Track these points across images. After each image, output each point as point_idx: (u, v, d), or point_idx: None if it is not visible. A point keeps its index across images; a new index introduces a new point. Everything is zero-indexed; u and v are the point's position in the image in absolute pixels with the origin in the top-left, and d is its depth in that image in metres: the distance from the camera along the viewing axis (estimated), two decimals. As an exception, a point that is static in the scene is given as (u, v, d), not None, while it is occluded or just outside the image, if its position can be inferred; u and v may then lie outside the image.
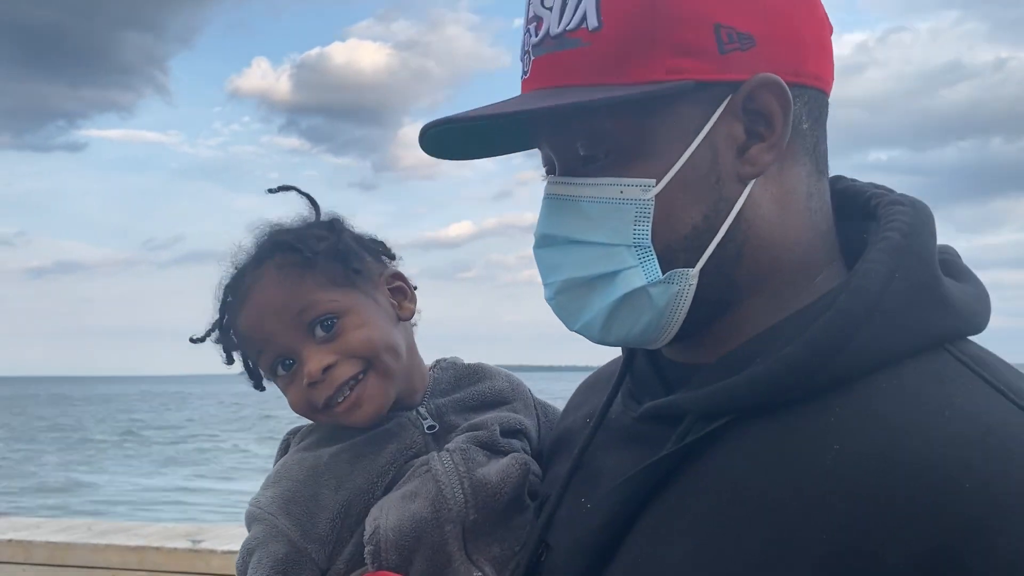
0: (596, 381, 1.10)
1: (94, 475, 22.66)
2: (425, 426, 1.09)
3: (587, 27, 0.70)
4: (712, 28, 0.69)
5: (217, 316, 1.11)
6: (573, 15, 0.71)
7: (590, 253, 0.76)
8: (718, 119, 0.71)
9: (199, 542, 8.79)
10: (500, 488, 1.02)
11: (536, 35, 0.75)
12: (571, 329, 0.81)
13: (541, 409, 1.21)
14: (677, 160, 0.72)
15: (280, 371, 1.09)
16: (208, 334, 1.13)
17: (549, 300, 0.83)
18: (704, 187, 0.73)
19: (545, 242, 0.80)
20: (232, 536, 9.51)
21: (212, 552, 8.73)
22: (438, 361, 1.19)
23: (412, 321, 1.16)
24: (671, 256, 0.74)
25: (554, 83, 0.74)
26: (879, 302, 0.68)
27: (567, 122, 0.75)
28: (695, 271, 0.74)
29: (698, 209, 0.73)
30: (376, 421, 1.06)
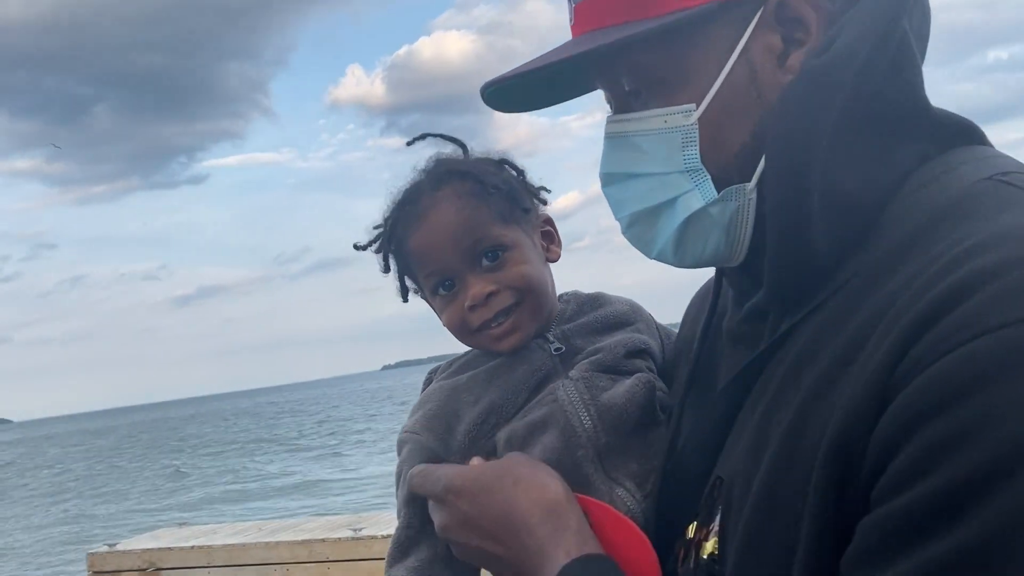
0: (705, 293, 1.13)
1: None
2: (552, 349, 1.14)
3: None
4: None
5: (386, 229, 1.19)
6: None
7: (648, 184, 0.79)
8: (752, 34, 0.72)
9: (360, 530, 9.21)
10: (626, 409, 1.06)
11: None
12: (650, 257, 0.84)
13: (664, 332, 1.24)
14: (714, 82, 0.73)
15: (440, 291, 1.15)
16: (372, 243, 1.21)
17: (624, 233, 0.86)
18: (746, 103, 0.74)
19: (608, 180, 0.83)
20: (389, 521, 9.90)
21: (373, 538, 9.12)
22: (561, 295, 1.24)
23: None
24: (726, 174, 0.76)
25: (593, 26, 0.77)
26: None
27: (610, 62, 0.78)
28: (751, 185, 0.75)
29: (745, 126, 0.74)
30: (518, 348, 1.14)
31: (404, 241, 1.17)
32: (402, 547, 1.11)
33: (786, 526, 0.66)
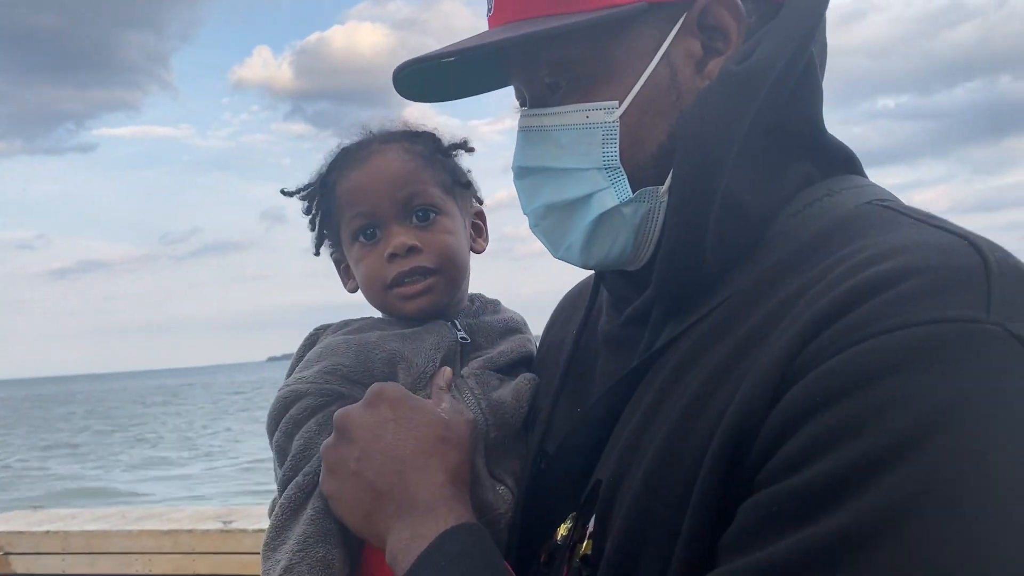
0: (577, 296, 1.14)
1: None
2: (459, 335, 1.15)
3: None
4: None
5: (322, 170, 1.19)
6: None
7: (565, 179, 0.78)
8: (675, 37, 0.73)
9: (230, 523, 8.95)
10: (516, 407, 1.07)
11: None
12: (555, 255, 0.84)
13: (537, 342, 1.27)
14: (637, 80, 0.73)
15: (361, 239, 1.14)
16: (307, 186, 1.19)
17: (533, 228, 0.86)
18: (666, 105, 0.74)
19: (522, 174, 0.82)
20: (261, 516, 9.66)
21: (243, 532, 8.87)
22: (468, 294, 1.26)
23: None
24: (641, 175, 0.76)
25: (515, 17, 0.76)
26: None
27: (531, 54, 0.77)
28: (664, 188, 0.75)
29: (662, 127, 0.74)
30: (421, 317, 1.13)
31: (338, 181, 1.15)
32: (280, 528, 1.01)
33: (669, 517, 0.66)
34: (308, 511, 0.98)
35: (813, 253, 0.66)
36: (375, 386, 0.97)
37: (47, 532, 9.35)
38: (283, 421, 1.05)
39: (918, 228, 0.65)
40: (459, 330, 1.16)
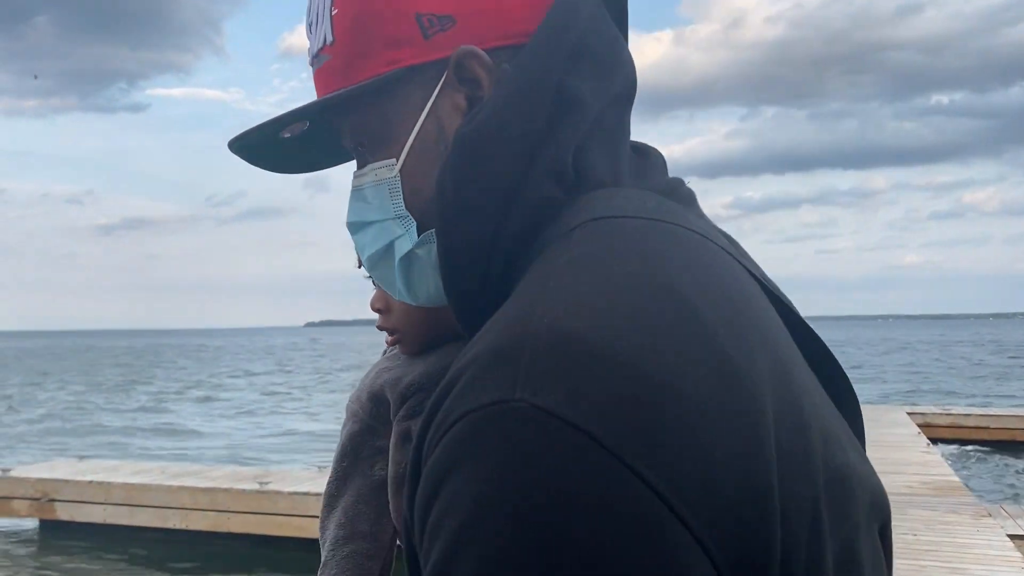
0: None
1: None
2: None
3: (327, 43, 0.83)
4: (414, 18, 0.77)
5: None
6: (321, 36, 0.83)
7: (375, 230, 0.85)
8: (439, 94, 0.78)
9: (266, 484, 9.15)
10: None
11: (309, 57, 0.89)
12: (396, 298, 0.90)
13: None
14: (409, 137, 0.80)
15: None
16: None
17: (370, 277, 0.94)
18: (435, 156, 0.79)
19: (351, 229, 0.89)
20: (296, 479, 9.84)
21: (279, 493, 9.09)
22: None
23: None
24: (426, 220, 0.81)
25: (321, 94, 0.85)
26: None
27: (340, 124, 0.86)
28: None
29: (431, 173, 0.79)
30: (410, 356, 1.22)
31: None
32: (331, 497, 1.25)
33: None
34: (338, 512, 1.23)
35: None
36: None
37: (90, 482, 9.64)
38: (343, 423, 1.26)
39: (537, 287, 0.63)
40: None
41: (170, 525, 9.05)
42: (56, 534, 9.40)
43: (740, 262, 0.72)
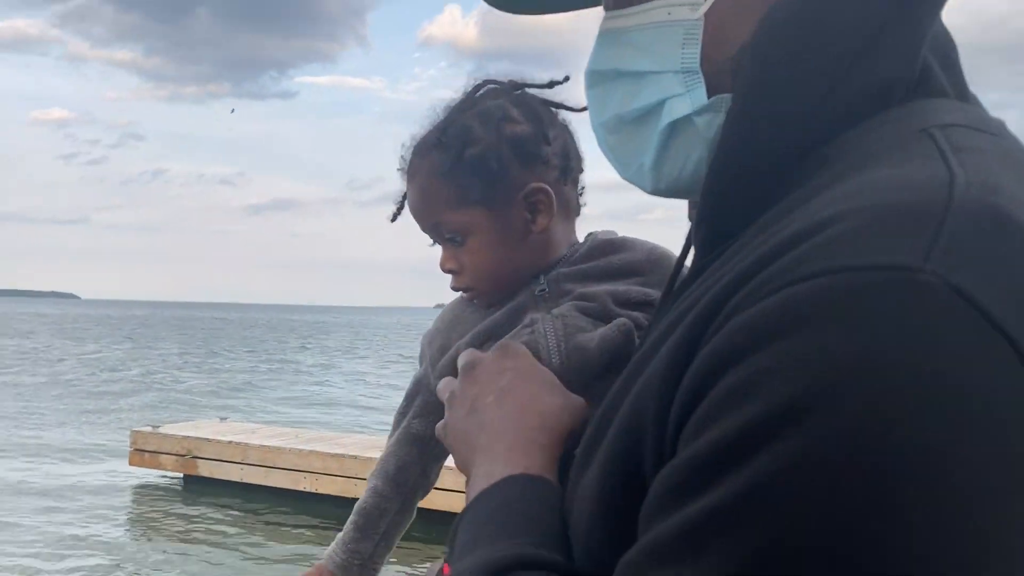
0: None
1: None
2: (536, 289, 1.12)
3: None
4: None
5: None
6: None
7: (637, 84, 0.69)
8: None
9: (391, 453, 9.44)
10: (596, 354, 1.03)
11: None
12: (624, 176, 0.75)
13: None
14: None
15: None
16: (399, 205, 1.22)
17: (601, 145, 0.76)
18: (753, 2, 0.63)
19: (594, 80, 0.74)
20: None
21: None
22: (589, 234, 1.19)
23: (581, 202, 1.20)
24: (718, 81, 0.65)
25: None
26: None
27: None
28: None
29: (749, 24, 0.63)
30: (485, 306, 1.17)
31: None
32: (394, 423, 1.27)
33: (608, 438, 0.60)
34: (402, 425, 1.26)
35: (825, 189, 0.54)
36: (504, 341, 1.02)
37: (230, 442, 10.17)
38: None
39: (921, 161, 0.51)
40: (541, 283, 1.12)
41: (301, 488, 9.40)
42: (198, 489, 9.95)
43: None
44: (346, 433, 11.75)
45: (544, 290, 1.11)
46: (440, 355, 1.16)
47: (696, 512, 0.45)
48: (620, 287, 1.10)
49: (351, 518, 1.26)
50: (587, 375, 1.02)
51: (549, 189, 1.12)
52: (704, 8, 0.65)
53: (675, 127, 0.68)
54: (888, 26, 0.58)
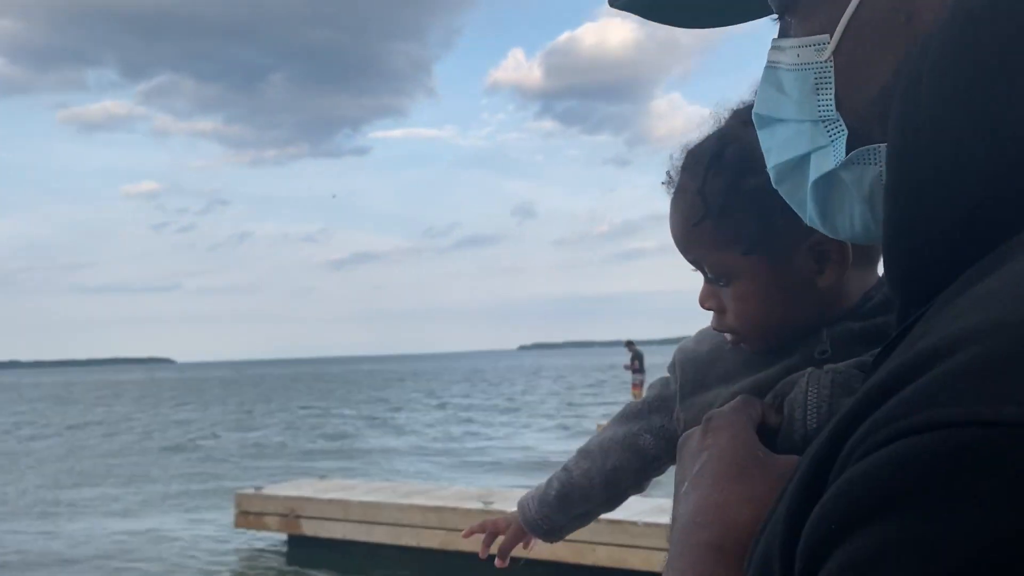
0: None
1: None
2: (817, 351, 0.93)
3: None
4: None
5: None
6: None
7: (788, 132, 0.64)
8: None
9: (490, 503, 9.36)
10: None
11: None
12: (808, 223, 0.69)
13: None
14: (848, 4, 0.57)
15: None
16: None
17: (777, 190, 0.71)
18: (891, 31, 0.56)
19: (759, 123, 0.69)
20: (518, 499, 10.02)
21: (503, 512, 9.29)
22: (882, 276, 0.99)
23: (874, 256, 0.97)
24: (863, 129, 0.59)
25: None
26: None
27: None
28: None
29: (889, 61, 0.56)
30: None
31: None
32: (626, 415, 1.18)
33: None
34: (628, 426, 1.17)
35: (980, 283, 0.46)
36: (715, 411, 0.87)
37: (331, 500, 10.28)
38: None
39: None
40: (823, 342, 0.94)
41: (403, 542, 9.42)
42: (303, 548, 10.07)
43: None
44: (445, 486, 11.77)
45: (826, 352, 0.93)
46: (693, 390, 1.02)
47: None
48: None
49: (557, 481, 1.18)
50: None
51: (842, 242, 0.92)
52: (830, 49, 0.58)
53: (826, 182, 0.62)
54: None
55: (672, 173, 1.00)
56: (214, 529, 11.90)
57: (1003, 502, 0.34)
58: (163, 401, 51.54)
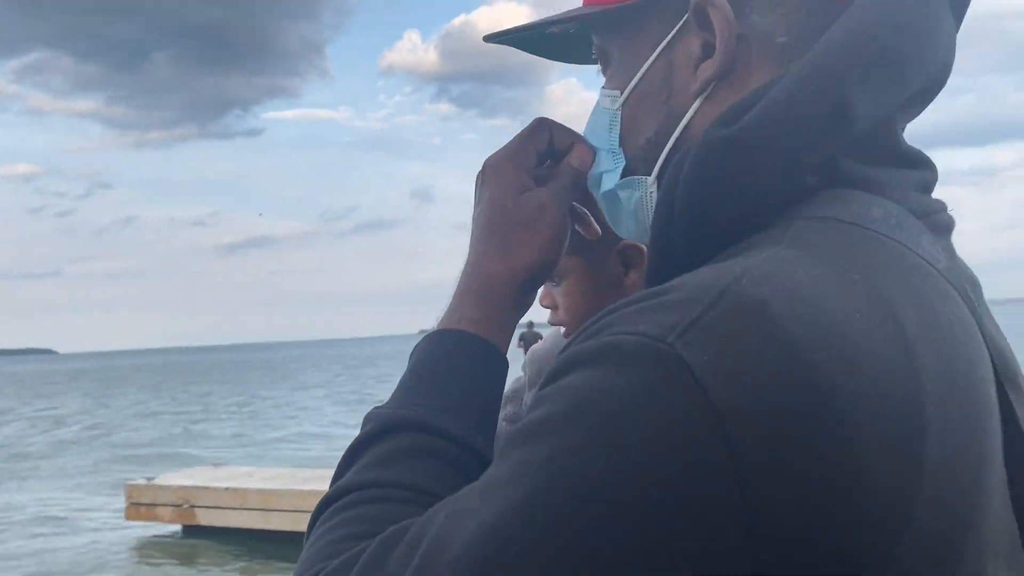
0: None
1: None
2: None
3: None
4: None
5: None
6: None
7: (599, 154, 0.83)
8: (676, 34, 0.73)
9: (392, 486, 9.37)
10: None
11: None
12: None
13: None
14: (636, 72, 0.76)
15: None
16: None
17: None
18: (657, 101, 0.75)
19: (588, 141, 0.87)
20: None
21: (404, 495, 9.28)
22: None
23: None
24: (634, 164, 0.78)
25: (585, 3, 0.82)
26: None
27: (589, 38, 0.84)
28: (651, 179, 0.77)
29: (652, 122, 0.76)
30: None
31: None
32: None
33: None
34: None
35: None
36: (489, 158, 0.92)
37: (227, 488, 10.05)
38: None
39: (750, 256, 0.59)
40: None
41: (303, 529, 9.30)
42: (199, 538, 9.84)
43: (972, 308, 0.64)
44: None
45: None
46: (538, 378, 1.33)
47: (486, 476, 0.59)
48: None
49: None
50: None
51: (642, 246, 1.17)
52: (620, 101, 0.78)
53: (610, 196, 0.82)
54: (793, 168, 0.65)
55: None
56: (104, 521, 11.50)
57: (621, 381, 0.54)
58: (44, 394, 49.35)
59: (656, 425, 0.51)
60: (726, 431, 0.50)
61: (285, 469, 11.51)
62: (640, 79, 0.76)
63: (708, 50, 0.71)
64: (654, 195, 0.77)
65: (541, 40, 0.91)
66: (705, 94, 0.72)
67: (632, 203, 0.79)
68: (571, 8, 0.84)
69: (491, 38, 0.92)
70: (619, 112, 0.78)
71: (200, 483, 10.13)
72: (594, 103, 0.85)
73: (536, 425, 0.57)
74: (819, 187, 0.65)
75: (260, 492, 9.62)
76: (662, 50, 0.74)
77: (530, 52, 0.96)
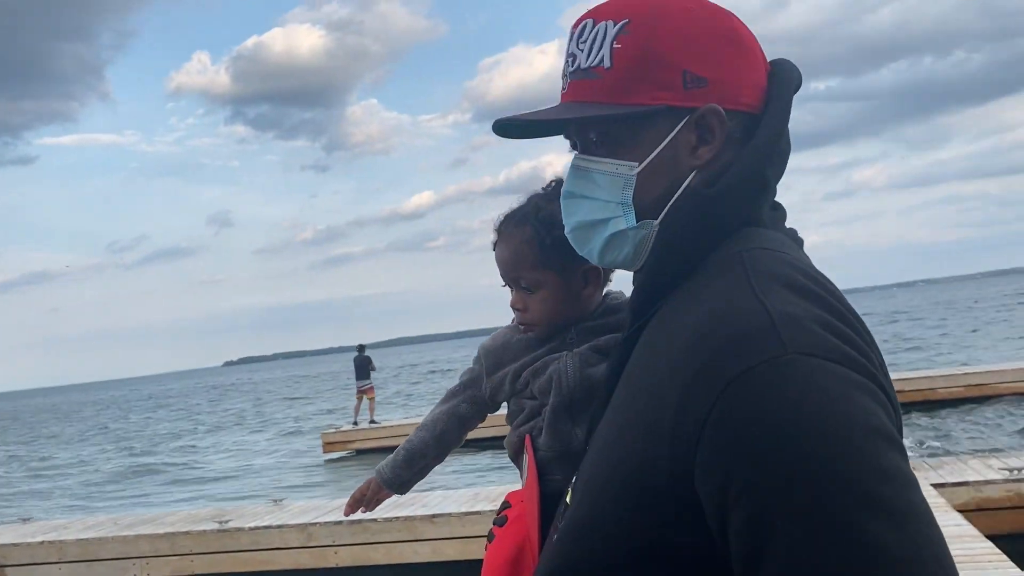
0: None
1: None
2: (568, 339, 1.66)
3: (603, 66, 1.07)
4: (681, 72, 1.05)
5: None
6: (596, 56, 1.08)
7: (595, 206, 1.11)
8: (680, 129, 1.06)
9: (226, 522, 9.10)
10: (599, 380, 1.44)
11: (572, 65, 1.12)
12: (580, 253, 1.17)
13: None
14: (651, 152, 1.07)
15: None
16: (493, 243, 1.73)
17: (568, 235, 1.18)
18: (666, 170, 1.07)
19: (568, 196, 1.16)
20: (255, 514, 9.82)
21: (240, 530, 9.06)
22: (607, 293, 1.72)
23: (609, 278, 1.70)
24: (644, 211, 1.09)
25: (580, 99, 1.10)
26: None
27: (589, 123, 1.11)
28: (657, 222, 1.09)
29: (662, 183, 1.07)
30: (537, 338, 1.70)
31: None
32: (448, 395, 1.83)
33: (610, 482, 0.96)
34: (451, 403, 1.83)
35: (704, 288, 1.00)
36: None
37: (42, 543, 9.41)
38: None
39: (732, 275, 0.98)
40: (571, 336, 1.66)
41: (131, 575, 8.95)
42: (11, 600, 9.18)
43: None
44: (173, 511, 11.22)
45: (572, 339, 1.67)
46: (494, 369, 1.72)
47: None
48: (615, 336, 1.60)
49: (402, 449, 1.81)
50: (590, 395, 1.53)
51: (600, 269, 1.62)
52: (637, 170, 1.08)
53: (615, 235, 1.11)
54: (738, 214, 1.05)
55: (498, 225, 1.70)
56: None
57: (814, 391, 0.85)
58: None
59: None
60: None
61: (105, 517, 10.91)
62: (655, 157, 1.06)
63: (703, 139, 1.05)
64: (655, 232, 1.08)
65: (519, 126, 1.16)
66: (700, 167, 1.06)
67: (639, 238, 1.09)
68: (575, 99, 1.11)
69: (504, 130, 1.19)
70: (635, 177, 1.07)
71: (9, 540, 9.46)
72: (564, 166, 1.16)
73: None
74: (743, 226, 1.05)
75: (80, 542, 9.12)
76: (672, 139, 1.06)
77: (531, 136, 1.23)
